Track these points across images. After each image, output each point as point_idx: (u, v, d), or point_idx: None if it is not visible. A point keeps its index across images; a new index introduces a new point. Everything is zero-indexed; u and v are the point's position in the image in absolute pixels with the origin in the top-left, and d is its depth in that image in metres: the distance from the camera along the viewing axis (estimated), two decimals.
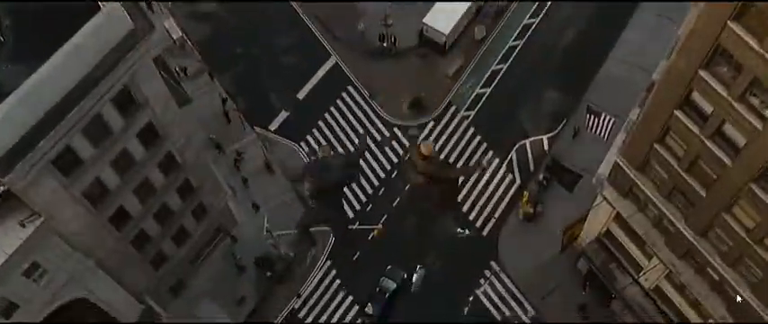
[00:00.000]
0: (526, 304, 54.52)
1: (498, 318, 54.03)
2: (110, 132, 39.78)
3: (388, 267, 55.73)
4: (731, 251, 39.17)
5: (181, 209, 49.70)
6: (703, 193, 38.13)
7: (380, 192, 59.33)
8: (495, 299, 54.83)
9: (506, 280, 55.42)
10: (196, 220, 52.09)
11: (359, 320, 54.80)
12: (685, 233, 41.06)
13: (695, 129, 35.73)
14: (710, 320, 44.07)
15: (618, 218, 46.78)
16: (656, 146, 39.19)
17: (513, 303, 54.65)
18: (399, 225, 57.44)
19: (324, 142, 61.39)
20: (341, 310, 55.47)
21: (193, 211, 51.13)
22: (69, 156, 38.25)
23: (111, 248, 45.64)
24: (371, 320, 54.02)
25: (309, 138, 61.78)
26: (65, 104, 35.40)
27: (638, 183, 42.21)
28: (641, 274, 47.86)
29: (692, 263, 43.04)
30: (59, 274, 42.79)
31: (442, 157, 59.13)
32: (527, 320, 53.84)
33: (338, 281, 56.42)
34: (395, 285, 54.69)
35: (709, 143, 35.45)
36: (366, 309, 54.06)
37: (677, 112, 36.06)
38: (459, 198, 57.92)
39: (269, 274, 55.88)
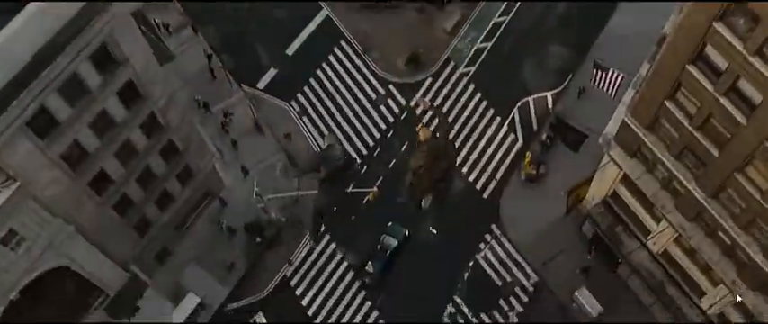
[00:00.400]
0: (528, 269, 54.72)
1: (498, 283, 54.12)
2: (87, 91, 39.41)
3: (390, 224, 56.00)
4: (744, 213, 39.12)
5: (165, 172, 49.55)
6: (716, 153, 37.97)
7: (375, 152, 59.18)
8: (496, 263, 55.07)
9: (507, 244, 55.61)
10: (181, 184, 52.02)
11: (358, 281, 55.14)
12: (696, 195, 41.01)
13: (708, 85, 35.40)
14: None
15: (625, 179, 46.71)
16: (667, 103, 38.92)
17: (514, 268, 54.89)
18: (396, 187, 57.48)
19: (315, 101, 61.09)
20: (335, 277, 55.62)
21: (178, 175, 51.03)
22: (45, 117, 37.89)
23: (92, 214, 45.53)
24: (372, 279, 54.43)
25: (300, 96, 61.34)
26: (38, 62, 34.94)
27: (647, 142, 42.07)
28: (649, 237, 47.90)
29: (703, 226, 43.05)
30: (38, 242, 42.72)
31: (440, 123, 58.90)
32: (529, 286, 53.98)
33: (333, 246, 56.51)
34: (396, 242, 55.12)
35: (722, 100, 35.15)
36: (366, 267, 54.51)
37: (689, 68, 35.69)
38: (458, 160, 58.16)
39: (258, 239, 56.04)
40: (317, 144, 59.40)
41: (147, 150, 46.68)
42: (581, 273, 53.01)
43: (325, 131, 59.08)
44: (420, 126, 42.65)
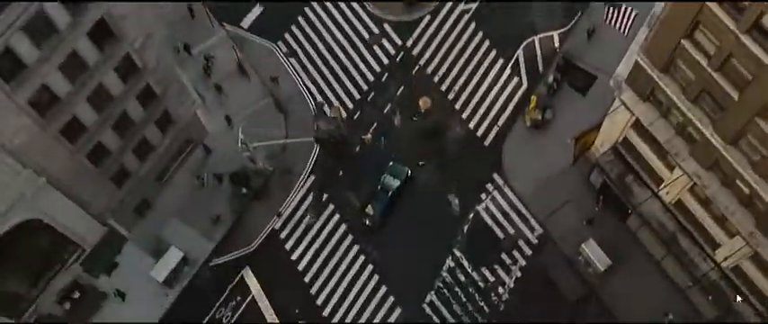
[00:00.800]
0: (532, 221, 54.79)
1: (501, 235, 54.34)
2: (55, 31, 38.97)
3: (391, 163, 56.12)
4: (764, 161, 38.95)
5: (143, 119, 49.39)
6: (736, 96, 37.59)
7: (369, 97, 58.83)
8: (498, 215, 55.12)
9: (510, 194, 55.58)
10: (161, 131, 51.97)
11: (351, 234, 55.24)
12: (713, 141, 40.84)
13: (729, 22, 34.77)
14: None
15: (637, 125, 46.59)
16: (684, 42, 38.43)
17: (517, 220, 54.95)
18: (390, 134, 57.32)
19: (304, 42, 60.36)
20: (327, 230, 55.70)
21: (157, 122, 50.96)
22: (9, 58, 37.50)
23: (66, 164, 45.47)
24: (372, 221, 54.77)
25: (287, 36, 60.58)
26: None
27: (661, 85, 41.74)
28: (662, 187, 47.88)
29: (720, 175, 42.96)
30: (8, 194, 42.57)
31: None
32: (533, 239, 54.17)
33: (325, 196, 56.46)
34: (398, 183, 55.29)
35: (744, 39, 34.57)
36: (366, 209, 54.82)
37: (709, 3, 35.01)
38: (458, 105, 57.88)
39: (245, 190, 56.03)
40: (306, 88, 59.06)
41: (122, 95, 46.43)
42: (587, 224, 53.23)
43: (324, 85, 58.58)
44: (422, 98, 44.63)
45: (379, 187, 55.49)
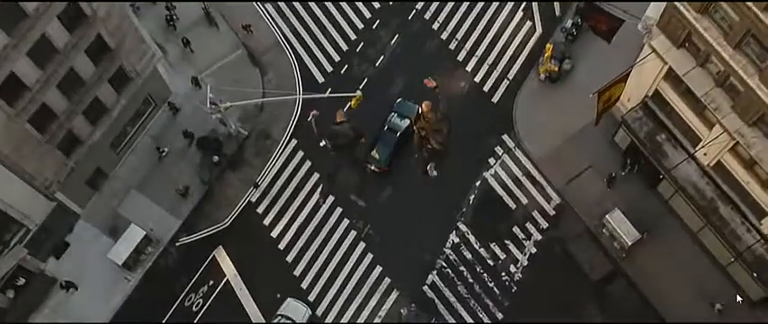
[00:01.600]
0: (548, 189, 54.70)
1: (512, 205, 54.21)
2: None
3: (398, 101, 56.38)
4: None
5: (94, 76, 49.44)
6: None
7: (359, 47, 58.66)
8: (509, 182, 54.98)
9: (523, 159, 55.47)
10: (116, 90, 52.11)
11: (340, 207, 55.16)
12: (759, 93, 40.49)
13: None
14: None
15: (670, 75, 46.41)
16: None
17: (530, 188, 54.80)
18: (384, 92, 57.01)
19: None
20: (311, 202, 55.48)
21: (111, 80, 51.11)
22: None
23: (3, 130, 45.43)
24: (378, 166, 55.17)
25: None
26: None
27: (699, 28, 41.35)
28: (699, 147, 47.83)
29: (767, 131, 42.77)
30: None
31: None
32: (549, 209, 53.93)
33: (308, 164, 56.40)
34: (407, 122, 55.45)
35: None
36: (372, 153, 55.21)
37: None
38: (461, 56, 57.70)
39: (216, 158, 55.97)
40: (284, 38, 58.91)
41: (69, 48, 46.49)
42: (611, 191, 53.27)
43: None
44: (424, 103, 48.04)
45: (385, 128, 55.50)
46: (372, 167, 55.19)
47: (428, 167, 51.51)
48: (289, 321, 51.07)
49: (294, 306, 51.99)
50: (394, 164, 55.26)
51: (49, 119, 48.17)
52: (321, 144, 51.68)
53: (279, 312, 51.72)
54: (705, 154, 47.72)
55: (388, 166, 55.23)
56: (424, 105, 46.94)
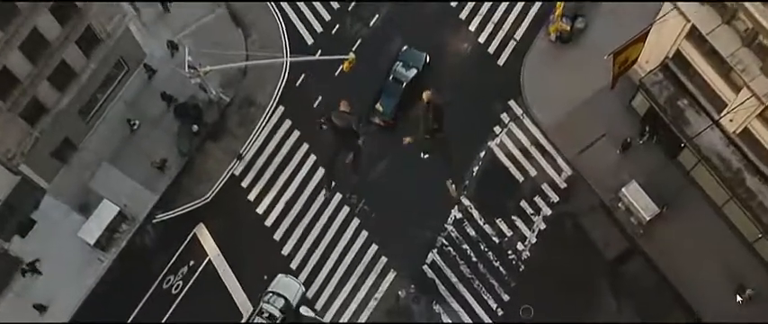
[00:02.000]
0: (559, 160, 54.40)
1: (519, 178, 54.01)
2: None
3: (405, 48, 56.47)
4: None
5: (59, 37, 49.36)
6: None
7: (351, 5, 58.46)
8: (516, 153, 54.68)
9: (531, 127, 55.21)
10: (84, 53, 52.01)
11: (332, 185, 54.79)
12: None
13: None
14: None
15: (693, 34, 45.79)
16: None
17: (540, 159, 54.53)
18: (379, 54, 56.64)
19: None
20: (301, 175, 55.22)
21: (79, 41, 51.03)
22: None
23: None
24: (383, 119, 55.18)
25: None
26: None
27: None
28: (724, 113, 47.27)
29: None
30: None
31: None
32: (560, 182, 53.60)
33: (297, 133, 56.14)
34: (414, 72, 55.36)
35: None
36: (376, 106, 55.17)
37: None
38: (464, 14, 57.55)
39: (196, 128, 55.87)
40: None
41: (31, 6, 46.19)
42: (621, 151, 53.12)
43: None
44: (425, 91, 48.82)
45: (390, 78, 55.41)
46: (377, 120, 55.10)
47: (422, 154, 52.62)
48: (281, 299, 50.67)
49: (286, 282, 51.72)
50: (400, 117, 55.02)
51: (10, 84, 48.12)
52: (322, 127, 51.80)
53: (269, 289, 51.32)
54: (731, 120, 47.29)
55: (394, 119, 55.08)
56: (424, 93, 47.40)
